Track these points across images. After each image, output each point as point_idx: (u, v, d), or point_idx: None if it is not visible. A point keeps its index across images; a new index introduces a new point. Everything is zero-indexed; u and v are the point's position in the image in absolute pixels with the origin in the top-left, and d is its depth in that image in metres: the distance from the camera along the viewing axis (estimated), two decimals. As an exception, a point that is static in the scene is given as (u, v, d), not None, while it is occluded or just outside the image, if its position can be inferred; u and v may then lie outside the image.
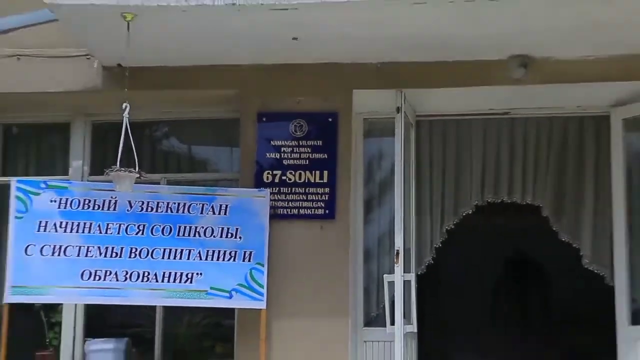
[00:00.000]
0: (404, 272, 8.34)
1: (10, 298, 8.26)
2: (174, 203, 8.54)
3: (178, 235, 8.44)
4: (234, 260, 8.43)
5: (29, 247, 8.26)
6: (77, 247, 8.30)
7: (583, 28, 7.85)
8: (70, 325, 9.09)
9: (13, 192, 8.39)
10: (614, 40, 8.12)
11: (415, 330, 8.62)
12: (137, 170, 7.76)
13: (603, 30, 7.87)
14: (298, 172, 8.79)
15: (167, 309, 8.99)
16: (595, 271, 9.00)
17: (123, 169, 7.73)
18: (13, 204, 8.37)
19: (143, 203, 8.49)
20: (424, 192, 9.28)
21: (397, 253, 8.33)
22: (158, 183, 8.88)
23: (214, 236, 8.49)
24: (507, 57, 8.45)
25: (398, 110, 8.55)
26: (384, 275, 8.53)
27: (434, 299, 9.43)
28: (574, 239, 9.19)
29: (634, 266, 8.77)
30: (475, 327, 11.90)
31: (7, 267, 8.33)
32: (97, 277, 8.29)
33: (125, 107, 7.78)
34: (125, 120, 7.79)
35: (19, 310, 8.52)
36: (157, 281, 8.39)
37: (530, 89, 8.72)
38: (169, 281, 8.37)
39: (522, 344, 12.08)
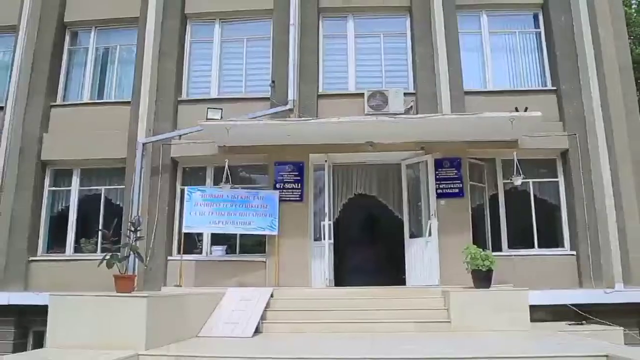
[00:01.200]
0: (328, 221, 8.52)
1: (184, 230, 8.41)
2: (244, 195, 8.55)
3: (244, 207, 8.48)
4: (265, 217, 8.50)
5: (191, 212, 8.37)
6: (209, 212, 8.41)
7: (389, 134, 8.25)
8: (206, 240, 9.03)
9: (186, 192, 8.53)
10: (399, 135, 8.33)
11: (332, 242, 8.61)
12: (230, 183, 8.18)
13: (396, 134, 8.26)
14: (290, 184, 8.77)
15: (241, 235, 8.84)
16: (398, 216, 8.98)
17: (225, 183, 8.18)
18: (186, 196, 8.48)
19: (233, 195, 8.51)
20: (335, 190, 9.01)
21: (326, 214, 8.56)
22: (238, 188, 8.75)
23: (258, 207, 8.54)
24: (364, 141, 8.52)
25: (326, 161, 8.77)
26: (321, 222, 8.55)
27: (339, 231, 9.57)
28: (389, 205, 9.11)
29: (410, 214, 8.82)
30: (355, 241, 11.06)
31: (183, 220, 8.43)
32: (216, 223, 8.42)
33: (226, 160, 8.20)
34: (226, 166, 8.15)
35: (186, 236, 8.53)
36: (238, 224, 8.47)
37: (373, 154, 8.70)
38: (241, 224, 8.48)
39: (372, 249, 11.21)
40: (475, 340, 5.83)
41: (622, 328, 7.09)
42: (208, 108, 8.66)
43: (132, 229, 5.85)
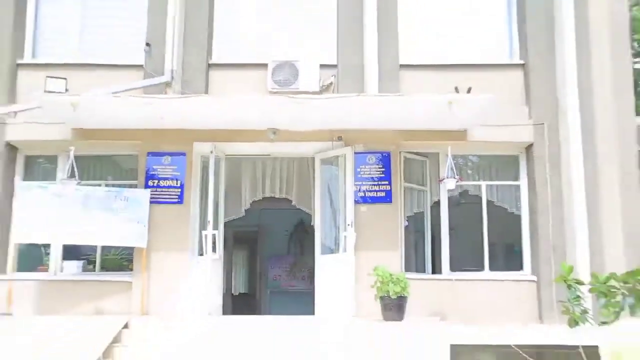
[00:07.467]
0: (212, 230, 6.97)
1: (17, 239, 6.89)
2: (101, 195, 6.92)
3: (104, 210, 6.82)
4: (131, 223, 6.87)
5: (27, 215, 6.66)
6: (53, 216, 6.69)
7: (297, 119, 6.78)
8: (55, 254, 7.36)
9: (19, 189, 6.95)
10: (309, 120, 6.84)
11: (220, 257, 7.27)
12: (77, 179, 6.61)
13: (305, 119, 6.82)
14: (166, 181, 7.10)
15: (105, 247, 7.30)
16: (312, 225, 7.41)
17: (69, 178, 6.62)
18: (19, 194, 6.85)
19: (86, 195, 6.84)
20: (230, 190, 7.56)
21: (209, 222, 7.00)
22: (82, 184, 7.15)
23: (121, 211, 6.87)
24: (266, 128, 6.94)
25: (212, 152, 7.15)
26: (203, 231, 7.04)
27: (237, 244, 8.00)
28: (305, 208, 7.84)
29: (323, 224, 7.31)
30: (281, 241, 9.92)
31: (15, 226, 6.89)
32: (60, 230, 6.75)
33: (71, 148, 6.61)
34: (71, 155, 6.57)
35: (28, 247, 7.17)
36: (94, 233, 6.84)
37: (279, 144, 7.16)
38: (98, 233, 6.81)
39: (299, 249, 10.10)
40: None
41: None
42: (47, 77, 6.83)
43: None
